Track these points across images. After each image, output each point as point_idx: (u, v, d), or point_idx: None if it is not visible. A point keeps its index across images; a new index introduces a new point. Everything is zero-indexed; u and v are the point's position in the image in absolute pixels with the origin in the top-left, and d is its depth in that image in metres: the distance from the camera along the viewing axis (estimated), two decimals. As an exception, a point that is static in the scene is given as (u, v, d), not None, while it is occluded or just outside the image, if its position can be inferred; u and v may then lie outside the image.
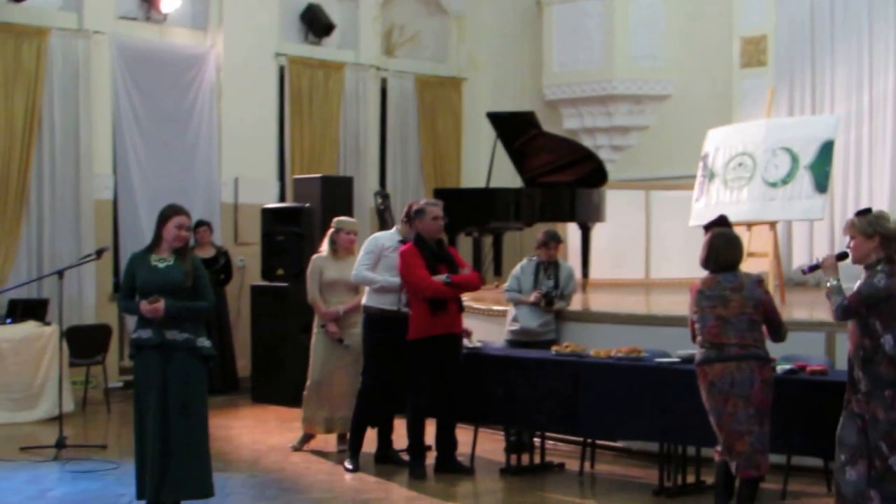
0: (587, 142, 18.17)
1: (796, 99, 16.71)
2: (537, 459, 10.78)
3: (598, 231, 16.14)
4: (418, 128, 19.14)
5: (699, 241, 8.51)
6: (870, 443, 7.64)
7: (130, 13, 16.11)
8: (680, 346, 9.44)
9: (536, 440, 10.86)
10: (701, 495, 9.50)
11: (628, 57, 18.17)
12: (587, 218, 15.87)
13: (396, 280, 10.63)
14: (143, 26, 16.16)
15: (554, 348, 10.60)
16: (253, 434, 12.76)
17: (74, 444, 11.60)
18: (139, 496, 8.57)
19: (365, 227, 15.25)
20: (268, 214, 15.33)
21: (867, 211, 7.94)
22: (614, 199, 16.38)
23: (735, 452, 8.11)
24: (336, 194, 15.13)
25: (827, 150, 12.64)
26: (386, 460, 11.03)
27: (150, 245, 8.67)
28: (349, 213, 14.20)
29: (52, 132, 14.94)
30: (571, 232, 16.33)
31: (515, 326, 11.50)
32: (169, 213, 8.65)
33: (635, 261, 17.47)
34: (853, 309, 7.62)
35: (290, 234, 14.84)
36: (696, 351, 8.41)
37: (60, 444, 11.36)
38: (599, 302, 13.78)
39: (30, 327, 13.71)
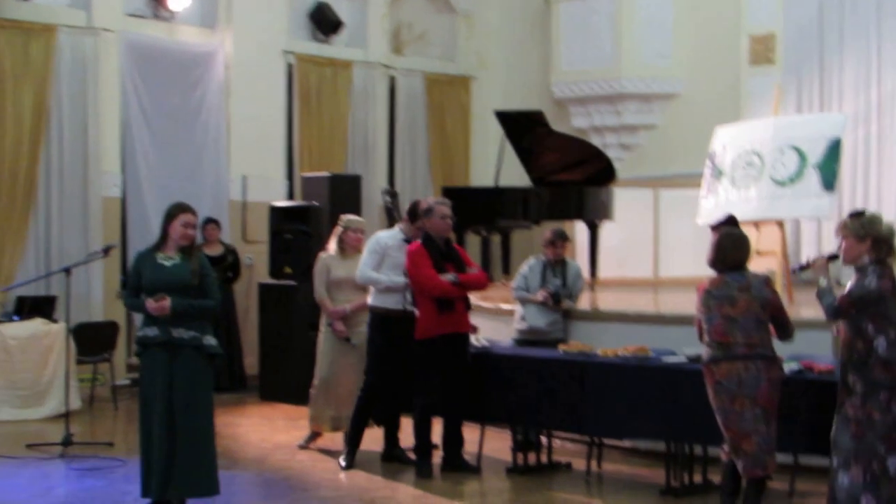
0: (596, 140, 18.15)
1: (804, 97, 16.70)
2: (544, 459, 10.77)
3: (606, 229, 16.11)
4: (427, 126, 19.13)
5: (708, 239, 8.50)
6: (866, 446, 7.63)
7: (139, 11, 16.11)
8: (688, 346, 9.42)
9: (543, 439, 10.85)
10: (708, 495, 9.48)
11: (637, 55, 18.15)
12: (595, 216, 15.84)
13: (401, 280, 10.63)
14: (151, 24, 16.16)
15: (561, 347, 10.58)
16: (260, 432, 12.76)
17: (81, 442, 11.59)
18: (144, 494, 8.57)
19: (373, 226, 15.23)
20: (276, 212, 15.32)
21: (860, 213, 7.93)
22: (623, 198, 16.35)
23: (742, 452, 8.10)
24: (344, 192, 15.13)
25: (835, 148, 12.60)
26: (392, 459, 11.03)
27: (157, 243, 8.67)
28: (357, 211, 14.19)
29: (60, 129, 14.94)
30: (580, 230, 16.31)
31: (523, 325, 11.49)
32: (175, 211, 8.65)
33: (644, 259, 17.43)
34: (844, 310, 7.62)
35: (298, 232, 14.84)
36: (703, 350, 8.40)
37: (67, 442, 11.37)
38: (607, 301, 13.76)
39: (37, 324, 13.71)
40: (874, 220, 7.82)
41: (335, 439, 11.64)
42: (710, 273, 8.41)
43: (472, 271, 10.51)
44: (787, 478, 9.34)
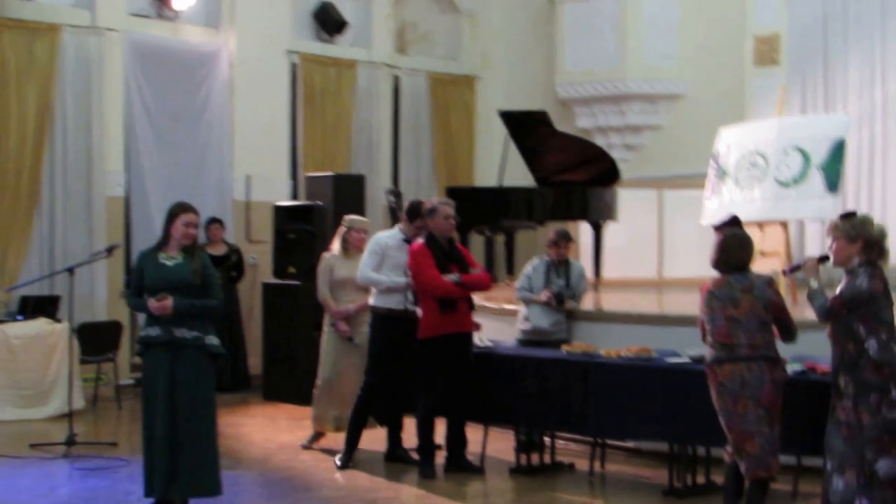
0: (600, 141, 18.14)
1: (809, 98, 16.67)
2: (547, 459, 10.76)
3: (610, 230, 16.10)
4: (431, 126, 19.12)
5: (712, 240, 8.49)
6: (857, 449, 7.63)
7: (143, 10, 16.11)
8: (691, 346, 9.41)
9: (547, 440, 10.84)
10: (711, 496, 9.48)
11: (641, 56, 18.14)
12: (599, 217, 15.83)
13: (402, 280, 10.64)
14: (155, 24, 16.16)
15: (564, 348, 10.58)
16: (263, 432, 12.77)
17: (84, 442, 11.60)
18: (147, 494, 8.57)
19: (377, 226, 15.23)
20: (280, 212, 15.33)
21: (851, 214, 7.92)
22: (627, 198, 16.34)
23: (745, 453, 8.08)
24: (348, 192, 15.13)
25: (839, 149, 12.59)
26: (395, 459, 11.03)
27: (159, 243, 8.67)
28: (361, 211, 14.20)
29: (64, 129, 14.94)
30: (584, 231, 16.30)
31: (527, 325, 11.48)
32: (177, 210, 8.65)
33: (648, 260, 17.43)
34: (836, 311, 7.62)
35: (301, 231, 14.84)
36: (706, 351, 8.39)
37: (70, 442, 11.38)
38: (611, 301, 13.74)
39: (41, 324, 13.71)
40: (865, 222, 7.82)
41: (338, 439, 11.61)
42: (714, 274, 8.40)
43: (475, 272, 10.50)
44: (790, 479, 9.33)
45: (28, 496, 9.69)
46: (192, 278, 8.48)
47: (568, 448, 11.35)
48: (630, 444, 11.18)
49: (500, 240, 16.48)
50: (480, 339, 11.14)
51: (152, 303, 8.39)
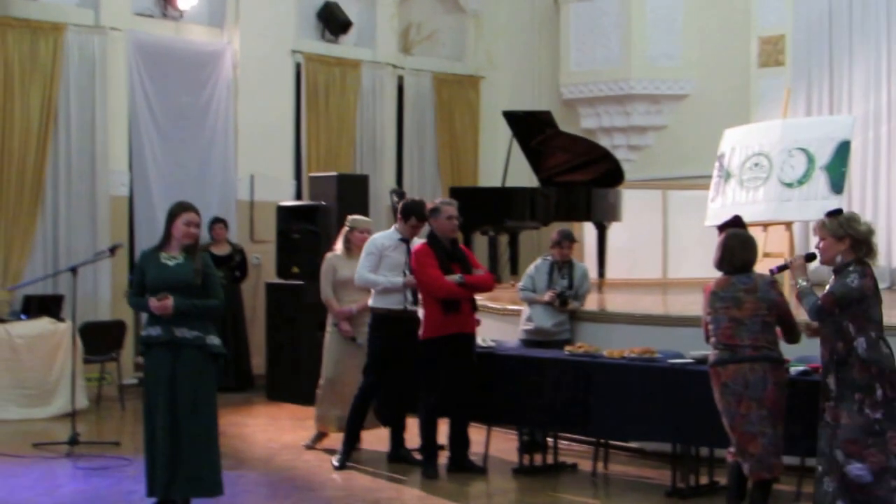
0: (604, 141, 18.13)
1: (814, 99, 16.65)
2: (550, 459, 10.76)
3: (615, 231, 16.10)
4: (435, 126, 19.12)
5: (716, 241, 8.48)
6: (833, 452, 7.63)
7: (147, 10, 16.11)
8: (695, 347, 9.39)
9: (550, 440, 10.83)
10: (714, 496, 9.46)
11: (646, 56, 18.13)
12: (603, 217, 15.84)
13: (399, 280, 10.64)
14: (159, 23, 16.16)
15: (567, 348, 10.57)
16: (267, 432, 12.75)
17: (87, 441, 11.59)
18: (149, 493, 8.56)
19: (381, 226, 15.21)
20: (283, 212, 15.32)
21: (838, 212, 7.89)
22: (632, 199, 16.34)
23: (748, 454, 8.08)
24: (352, 192, 15.11)
25: (843, 150, 12.57)
26: (398, 460, 11.01)
27: (161, 243, 8.66)
28: (365, 211, 14.19)
29: (67, 128, 14.95)
30: (588, 232, 16.30)
31: (529, 326, 11.48)
32: (178, 210, 8.65)
33: (652, 261, 17.44)
34: (827, 310, 7.59)
35: (305, 231, 14.83)
36: (709, 352, 8.38)
37: (73, 441, 11.36)
38: (615, 302, 13.73)
39: (44, 323, 13.71)
40: (852, 220, 7.80)
41: (341, 439, 11.62)
42: (717, 274, 8.39)
43: (478, 272, 10.49)
44: (793, 480, 9.31)
45: (31, 495, 9.67)
46: (193, 278, 8.46)
47: (571, 448, 11.34)
48: (633, 444, 11.16)
49: (503, 240, 16.48)
50: (483, 339, 11.12)
51: (153, 302, 8.38)
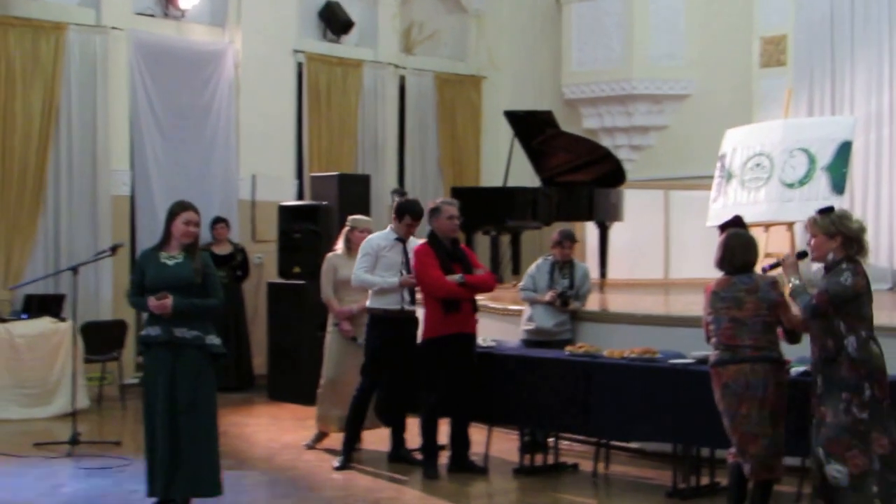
0: (606, 141, 18.14)
1: (816, 100, 16.62)
2: (551, 460, 10.75)
3: (617, 231, 16.10)
4: (437, 126, 19.12)
5: (717, 241, 8.47)
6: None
7: (148, 9, 16.12)
8: (696, 347, 9.38)
9: (550, 440, 10.82)
10: (714, 497, 9.44)
11: (648, 56, 18.13)
12: (605, 217, 15.84)
13: (395, 280, 10.63)
14: (160, 23, 16.16)
15: (568, 348, 10.56)
16: (268, 432, 12.75)
17: (88, 441, 11.56)
18: (150, 493, 8.56)
19: (382, 226, 15.08)
20: (285, 212, 15.31)
21: (829, 210, 7.86)
22: (633, 199, 16.34)
23: (748, 455, 8.06)
24: (353, 192, 15.12)
25: (844, 151, 12.58)
26: (399, 460, 11.00)
27: (160, 242, 8.66)
28: (366, 211, 14.17)
29: (69, 128, 14.94)
30: (590, 232, 16.29)
31: (531, 326, 11.46)
32: (177, 209, 8.65)
33: (654, 261, 17.43)
34: (822, 309, 7.54)
35: (307, 231, 14.82)
36: (710, 352, 8.37)
37: (74, 441, 11.35)
38: (617, 302, 13.72)
39: (45, 323, 13.71)
40: (844, 217, 7.77)
41: (342, 440, 11.62)
42: (720, 275, 8.38)
43: (479, 272, 10.48)
44: (794, 481, 9.29)
45: (31, 495, 9.66)
46: (193, 277, 8.46)
47: (572, 449, 11.32)
48: (634, 445, 11.14)
49: (505, 240, 16.48)
50: (484, 339, 11.12)
51: (152, 301, 8.37)
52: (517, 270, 15.91)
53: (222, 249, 15.59)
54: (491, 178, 18.86)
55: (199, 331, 8.47)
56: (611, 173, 15.82)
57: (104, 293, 15.14)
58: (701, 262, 12.31)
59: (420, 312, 10.74)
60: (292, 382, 14.53)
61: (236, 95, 16.57)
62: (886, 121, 15.97)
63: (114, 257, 12.68)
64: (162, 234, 8.69)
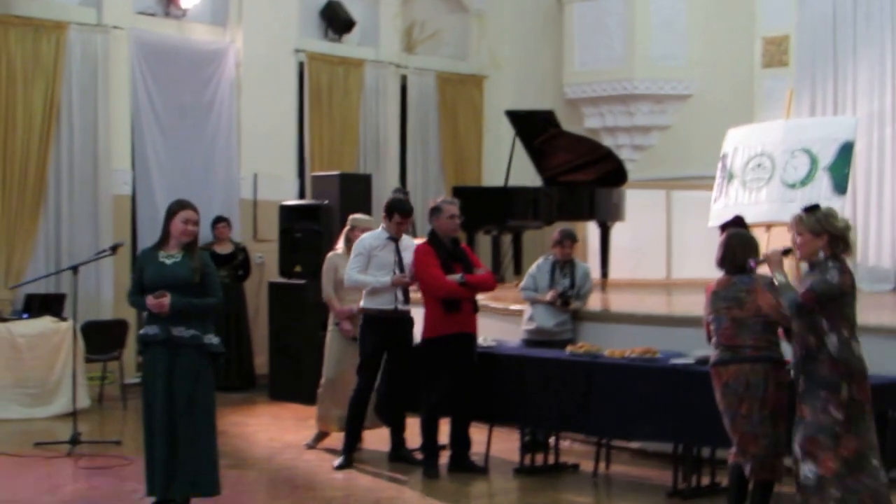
0: (608, 141, 18.13)
1: (818, 100, 16.58)
2: (552, 460, 10.74)
3: (619, 231, 16.10)
4: (438, 125, 19.10)
5: (718, 240, 8.46)
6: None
7: (149, 9, 16.09)
8: (698, 347, 9.36)
9: (551, 440, 10.81)
10: (715, 497, 9.42)
11: (649, 56, 18.11)
12: (606, 217, 15.84)
13: (387, 279, 10.62)
14: (161, 22, 16.15)
15: (568, 348, 10.55)
16: (269, 431, 12.74)
17: (89, 441, 11.55)
18: (149, 492, 8.55)
19: (383, 225, 15.21)
20: (286, 211, 15.30)
21: (815, 208, 7.82)
22: (635, 199, 16.34)
23: (749, 455, 8.06)
24: (355, 191, 15.11)
25: (846, 151, 12.56)
26: (399, 459, 10.99)
27: (159, 241, 8.66)
28: (368, 210, 14.16)
29: (70, 127, 14.93)
30: (591, 231, 16.28)
31: (531, 326, 11.46)
32: (175, 208, 8.64)
33: (656, 261, 17.42)
34: (807, 306, 7.49)
35: (308, 231, 14.81)
36: (711, 352, 8.36)
37: (75, 440, 11.34)
38: (619, 302, 13.72)
39: (46, 322, 13.69)
40: (830, 216, 7.72)
41: (342, 439, 11.61)
42: (720, 274, 8.38)
43: (479, 272, 10.47)
44: (794, 481, 9.26)
45: (32, 495, 9.66)
46: (191, 277, 8.44)
47: (572, 449, 11.33)
48: (635, 445, 11.14)
49: (506, 240, 16.48)
50: (484, 338, 11.11)
51: (150, 300, 8.36)
52: (518, 270, 15.91)
53: (223, 249, 15.60)
54: (492, 177, 18.85)
55: (198, 330, 8.45)
56: (612, 173, 15.82)
57: (105, 293, 15.13)
58: (703, 263, 12.29)
59: (415, 312, 10.75)
60: (293, 382, 14.51)
61: (237, 95, 16.56)
62: (889, 120, 15.94)
63: (115, 257, 12.65)
64: (161, 233, 8.68)
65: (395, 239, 10.77)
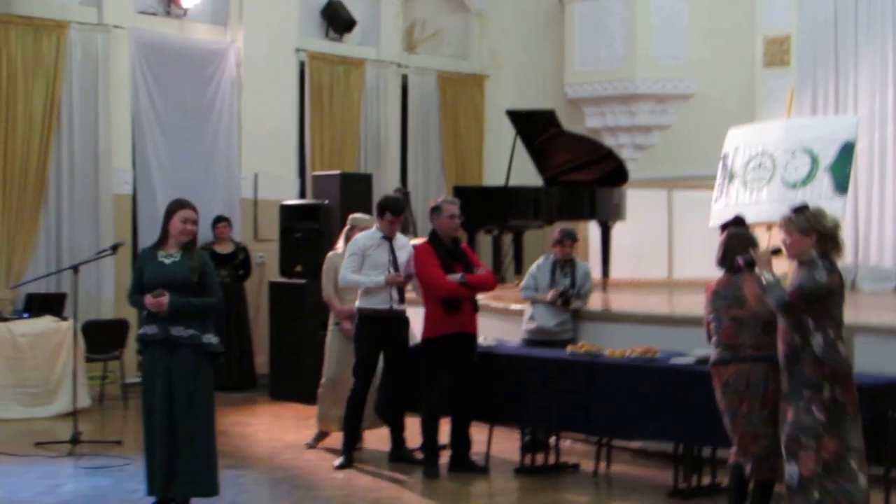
0: (609, 141, 18.12)
1: (819, 99, 16.59)
2: (552, 459, 10.73)
3: (620, 231, 16.08)
4: (439, 125, 19.09)
5: (719, 240, 8.46)
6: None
7: (150, 8, 16.08)
8: (698, 347, 9.35)
9: (552, 440, 10.81)
10: (716, 497, 9.43)
11: (650, 56, 18.10)
12: (607, 217, 15.83)
13: (381, 279, 10.60)
14: (162, 21, 16.13)
15: (569, 348, 10.54)
16: (269, 431, 12.73)
17: (89, 440, 11.55)
18: (149, 492, 8.55)
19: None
20: (287, 211, 15.30)
21: (804, 207, 7.79)
22: (637, 199, 16.32)
23: (749, 454, 8.05)
24: (356, 191, 15.10)
25: (847, 150, 12.54)
26: (399, 459, 10.98)
27: (158, 241, 8.65)
28: (368, 210, 14.10)
29: (71, 126, 14.93)
30: (592, 231, 16.27)
31: (532, 325, 11.45)
32: (174, 207, 8.63)
33: (658, 260, 17.40)
34: (794, 305, 7.45)
35: (309, 230, 14.81)
36: (711, 351, 8.35)
37: (75, 440, 11.33)
38: (620, 302, 13.72)
39: (47, 322, 13.69)
40: (819, 215, 7.67)
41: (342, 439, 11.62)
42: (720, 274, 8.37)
43: (479, 272, 10.47)
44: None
45: (32, 494, 9.65)
46: (190, 276, 8.42)
47: (573, 448, 11.32)
48: (635, 444, 11.13)
49: (507, 240, 16.47)
50: (484, 338, 11.10)
51: (148, 299, 8.35)
52: (519, 270, 15.90)
53: (224, 248, 15.60)
54: (493, 177, 18.83)
55: (196, 329, 8.43)
56: (613, 172, 15.81)
57: (106, 292, 15.13)
58: (704, 262, 12.28)
59: (411, 312, 10.75)
60: (294, 381, 14.50)
61: (238, 94, 16.55)
62: (890, 120, 15.95)
63: (115, 256, 12.64)
64: (160, 233, 8.67)
65: (388, 238, 10.75)
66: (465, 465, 10.55)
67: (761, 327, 8.01)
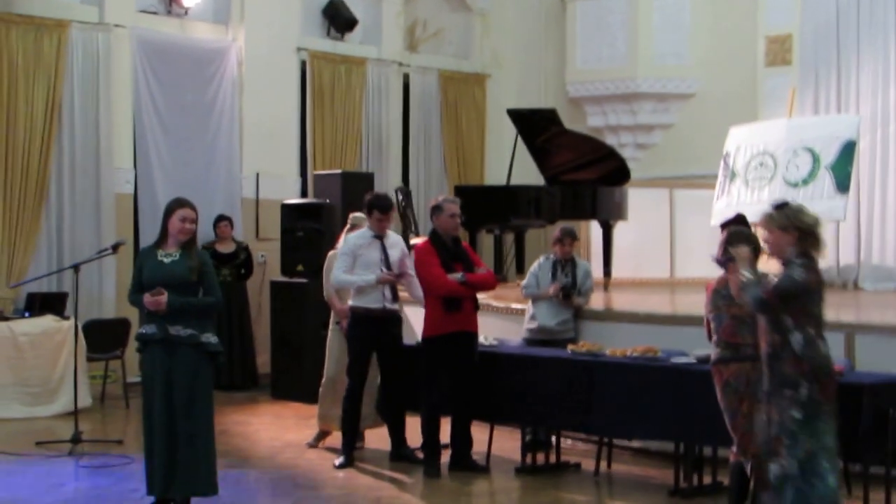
0: (611, 139, 18.12)
1: (821, 99, 16.58)
2: (553, 459, 10.72)
3: (622, 230, 16.07)
4: (441, 124, 19.08)
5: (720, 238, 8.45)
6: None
7: (151, 7, 16.08)
8: (699, 346, 9.35)
9: (553, 439, 10.80)
10: (717, 496, 9.42)
11: (652, 55, 18.11)
12: (609, 216, 15.81)
13: (372, 277, 10.57)
14: (163, 20, 16.13)
15: (570, 347, 10.53)
16: (270, 430, 12.73)
17: (90, 439, 11.55)
18: (149, 492, 8.54)
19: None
20: (288, 210, 15.30)
21: (784, 204, 7.74)
22: (638, 198, 16.31)
23: (750, 453, 8.03)
24: (357, 190, 15.03)
25: (848, 149, 12.55)
26: (400, 458, 10.96)
27: (158, 240, 8.65)
28: (369, 209, 14.14)
29: (72, 125, 14.93)
30: (594, 230, 16.27)
31: (533, 325, 11.45)
32: (173, 206, 8.62)
33: (660, 259, 17.39)
34: (771, 303, 7.39)
35: (310, 229, 14.81)
36: (711, 350, 8.34)
37: (76, 439, 11.33)
38: (621, 301, 13.71)
39: (48, 321, 13.68)
40: (799, 212, 7.60)
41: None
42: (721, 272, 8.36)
43: (480, 271, 10.46)
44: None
45: (33, 494, 9.65)
46: (188, 275, 8.41)
47: (574, 448, 11.32)
48: (636, 444, 11.13)
49: (509, 239, 16.46)
50: (485, 337, 11.09)
51: (147, 297, 8.34)
52: (521, 269, 15.90)
53: (226, 247, 15.60)
54: (495, 176, 18.84)
55: (195, 329, 8.42)
56: (615, 172, 15.81)
57: (107, 291, 15.13)
58: (706, 261, 12.29)
59: (410, 312, 10.74)
60: (295, 381, 14.50)
61: (239, 93, 16.55)
62: (892, 119, 15.93)
63: (116, 255, 12.63)
64: (159, 232, 8.66)
65: (379, 237, 10.73)
66: (466, 465, 10.54)
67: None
